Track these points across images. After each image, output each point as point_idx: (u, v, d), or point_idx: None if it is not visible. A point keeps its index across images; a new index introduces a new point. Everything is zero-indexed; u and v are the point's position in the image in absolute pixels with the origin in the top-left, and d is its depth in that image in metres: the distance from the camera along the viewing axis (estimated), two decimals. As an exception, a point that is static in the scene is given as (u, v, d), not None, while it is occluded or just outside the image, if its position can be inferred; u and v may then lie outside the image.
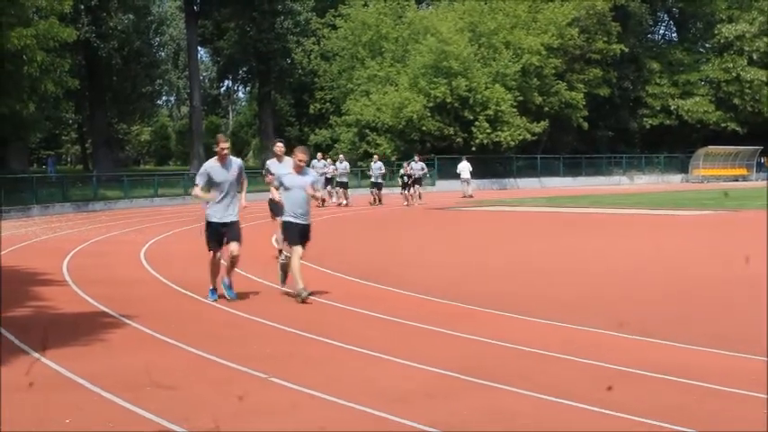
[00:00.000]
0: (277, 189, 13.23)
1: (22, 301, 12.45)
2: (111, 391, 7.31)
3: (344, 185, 40.10)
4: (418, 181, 40.69)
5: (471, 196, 46.56)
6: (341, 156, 43.80)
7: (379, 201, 40.75)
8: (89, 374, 7.87)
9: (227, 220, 12.37)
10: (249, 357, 8.59)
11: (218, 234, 12.41)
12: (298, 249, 12.55)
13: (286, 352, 9.09)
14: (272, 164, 15.01)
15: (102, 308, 11.79)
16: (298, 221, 12.61)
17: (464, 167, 48.59)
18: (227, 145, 12.36)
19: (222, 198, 12.27)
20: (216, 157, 12.32)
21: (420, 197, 40.65)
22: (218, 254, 12.54)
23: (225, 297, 12.38)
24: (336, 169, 40.10)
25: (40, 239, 23.55)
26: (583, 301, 12.38)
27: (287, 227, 12.72)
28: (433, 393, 7.33)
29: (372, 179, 41.61)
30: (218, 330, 10.33)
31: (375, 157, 43.74)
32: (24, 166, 53.08)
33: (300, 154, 12.60)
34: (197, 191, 12.18)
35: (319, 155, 41.49)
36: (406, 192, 40.14)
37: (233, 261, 12.56)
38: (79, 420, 6.58)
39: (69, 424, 6.49)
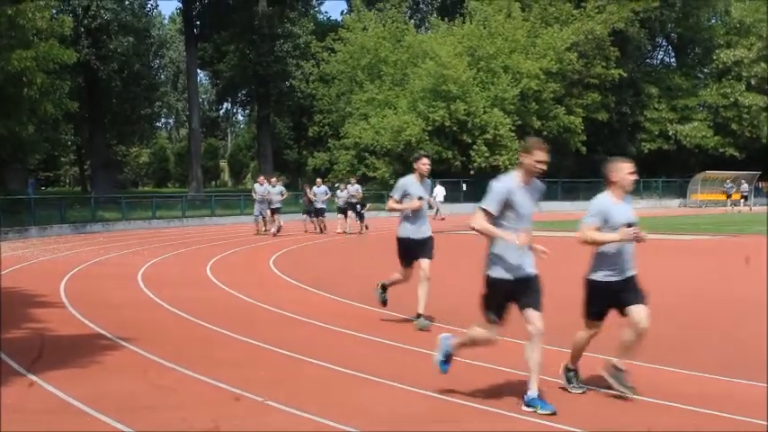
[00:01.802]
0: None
1: (18, 323, 12.42)
2: (107, 413, 7.28)
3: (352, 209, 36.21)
4: (353, 207, 35.72)
5: (443, 219, 47.84)
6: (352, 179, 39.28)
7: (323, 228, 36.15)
8: (85, 397, 7.84)
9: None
10: (246, 380, 8.57)
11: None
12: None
13: (283, 375, 9.07)
14: (410, 184, 12.24)
15: (99, 330, 11.76)
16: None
17: (439, 191, 50.22)
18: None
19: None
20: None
21: (366, 227, 36.10)
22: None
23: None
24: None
25: (38, 261, 23.52)
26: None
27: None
28: (436, 419, 7.31)
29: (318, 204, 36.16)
30: (214, 353, 10.29)
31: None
32: (23, 188, 53.09)
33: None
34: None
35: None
36: (345, 219, 36.00)
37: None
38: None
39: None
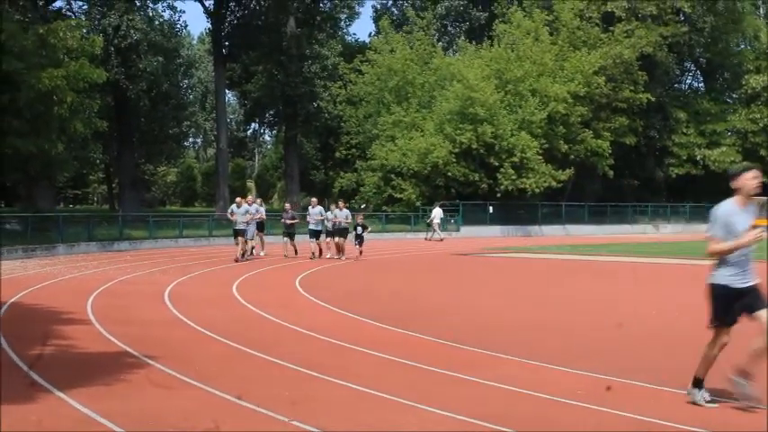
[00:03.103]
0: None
1: (45, 340, 12.46)
2: (132, 430, 7.29)
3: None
4: (343, 232, 32.73)
5: (441, 240, 49.35)
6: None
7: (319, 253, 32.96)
8: (111, 414, 7.86)
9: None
10: (271, 400, 8.56)
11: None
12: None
13: (308, 395, 9.05)
14: (733, 212, 8.52)
15: (126, 348, 11.79)
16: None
17: (436, 213, 51.44)
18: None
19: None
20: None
21: (361, 253, 33.04)
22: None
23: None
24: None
25: (66, 278, 23.61)
26: (607, 349, 12.27)
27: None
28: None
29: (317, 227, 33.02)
30: (240, 372, 10.29)
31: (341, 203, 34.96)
32: (51, 205, 53.39)
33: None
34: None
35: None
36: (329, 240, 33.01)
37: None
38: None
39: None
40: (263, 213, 35.71)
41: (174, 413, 8.06)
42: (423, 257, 35.33)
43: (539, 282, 24.96)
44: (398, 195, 58.12)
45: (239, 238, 30.88)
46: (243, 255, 31.14)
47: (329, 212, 33.33)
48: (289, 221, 33.59)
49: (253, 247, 33.24)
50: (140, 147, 70.47)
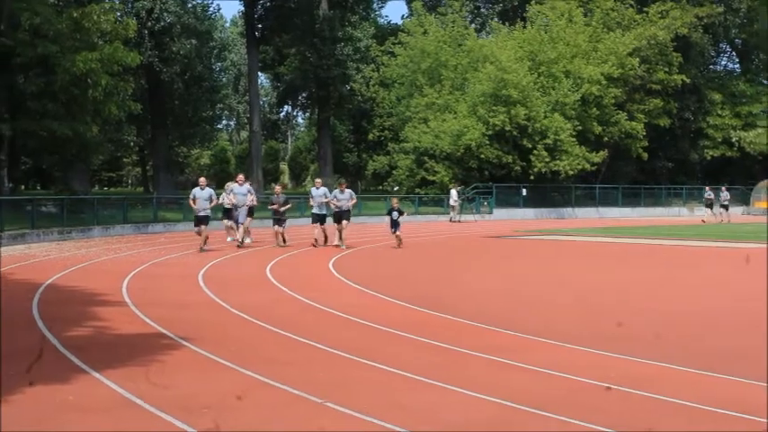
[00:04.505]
0: None
1: (81, 321, 12.58)
2: (167, 411, 7.35)
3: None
4: (345, 216, 29.03)
5: (458, 221, 50.18)
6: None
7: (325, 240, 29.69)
8: (145, 395, 7.92)
9: None
10: (305, 381, 8.61)
11: None
12: None
13: (343, 377, 9.09)
14: None
15: (161, 329, 11.88)
16: None
17: (453, 194, 51.57)
18: None
19: None
20: None
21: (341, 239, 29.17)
22: None
23: None
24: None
25: (101, 260, 23.78)
26: (645, 333, 12.23)
27: None
28: (499, 424, 7.28)
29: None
30: (274, 354, 10.35)
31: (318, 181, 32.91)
32: (86, 188, 53.77)
33: None
34: None
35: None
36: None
37: None
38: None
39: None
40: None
41: (208, 394, 8.12)
42: (455, 240, 35.27)
43: (572, 265, 24.88)
44: (431, 178, 57.94)
45: (202, 226, 27.05)
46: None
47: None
48: (275, 207, 29.11)
49: (246, 233, 29.62)
50: (174, 129, 70.72)
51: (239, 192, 29.21)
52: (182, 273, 20.17)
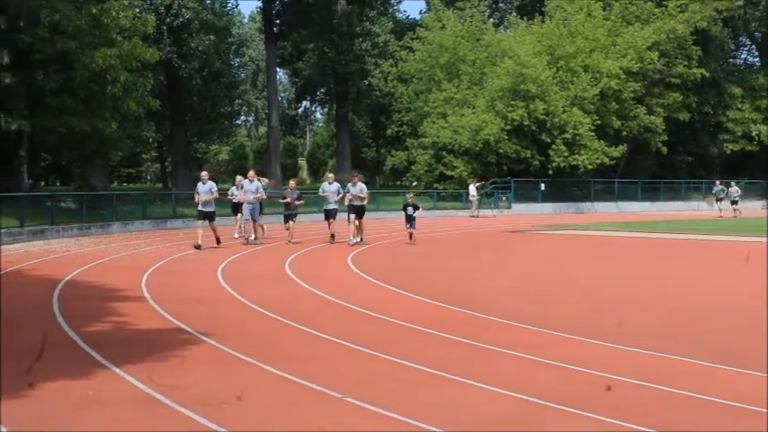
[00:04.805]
0: None
1: (100, 317, 12.61)
2: (187, 406, 7.35)
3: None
4: (359, 211, 28.13)
5: (476, 216, 50.30)
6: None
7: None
8: (165, 389, 7.93)
9: None
10: (324, 377, 8.59)
11: None
12: None
13: (363, 373, 9.07)
14: None
15: (180, 325, 11.89)
16: None
17: (472, 189, 51.92)
18: None
19: None
20: None
21: (361, 237, 28.69)
22: None
23: None
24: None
25: (120, 256, 23.85)
26: (668, 329, 12.16)
27: None
28: (520, 420, 7.24)
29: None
30: (294, 349, 10.33)
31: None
32: (105, 184, 53.92)
33: None
34: None
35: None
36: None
37: None
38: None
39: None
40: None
41: (227, 389, 8.11)
42: (474, 235, 35.22)
43: (593, 259, 24.81)
44: (450, 173, 57.83)
45: (212, 223, 26.65)
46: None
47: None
48: (289, 201, 28.60)
49: (262, 229, 29.37)
50: (192, 125, 70.84)
51: (249, 188, 28.48)
52: (200, 268, 20.20)
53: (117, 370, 8.87)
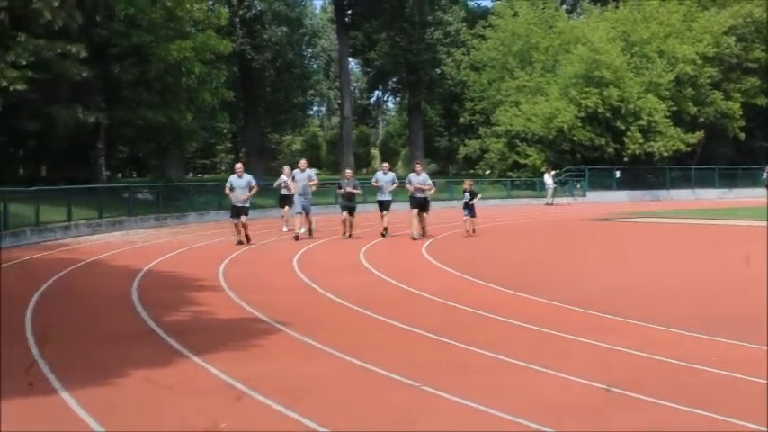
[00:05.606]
0: None
1: (179, 307, 12.76)
2: (267, 395, 7.40)
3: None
4: (423, 203, 25.98)
5: (550, 204, 50.29)
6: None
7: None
8: (245, 378, 7.99)
9: None
10: (402, 365, 8.60)
11: None
12: None
13: (439, 360, 9.06)
14: None
15: (258, 314, 11.98)
16: None
17: (547, 178, 52.40)
18: None
19: None
20: None
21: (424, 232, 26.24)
22: None
23: None
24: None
25: (197, 246, 24.09)
26: (740, 316, 11.96)
27: None
28: (598, 408, 7.18)
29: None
30: (370, 338, 10.36)
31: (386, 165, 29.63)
32: (181, 175, 54.53)
33: None
34: None
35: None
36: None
37: None
38: (236, 423, 6.68)
39: (226, 427, 6.59)
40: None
41: (307, 379, 8.16)
42: (549, 223, 35.00)
43: (668, 247, 24.50)
44: (523, 161, 57.52)
45: (242, 217, 24.34)
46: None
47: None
48: (349, 190, 26.37)
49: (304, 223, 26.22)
50: (266, 116, 71.29)
51: (300, 178, 26.03)
52: (276, 258, 20.34)
53: (197, 359, 8.97)
